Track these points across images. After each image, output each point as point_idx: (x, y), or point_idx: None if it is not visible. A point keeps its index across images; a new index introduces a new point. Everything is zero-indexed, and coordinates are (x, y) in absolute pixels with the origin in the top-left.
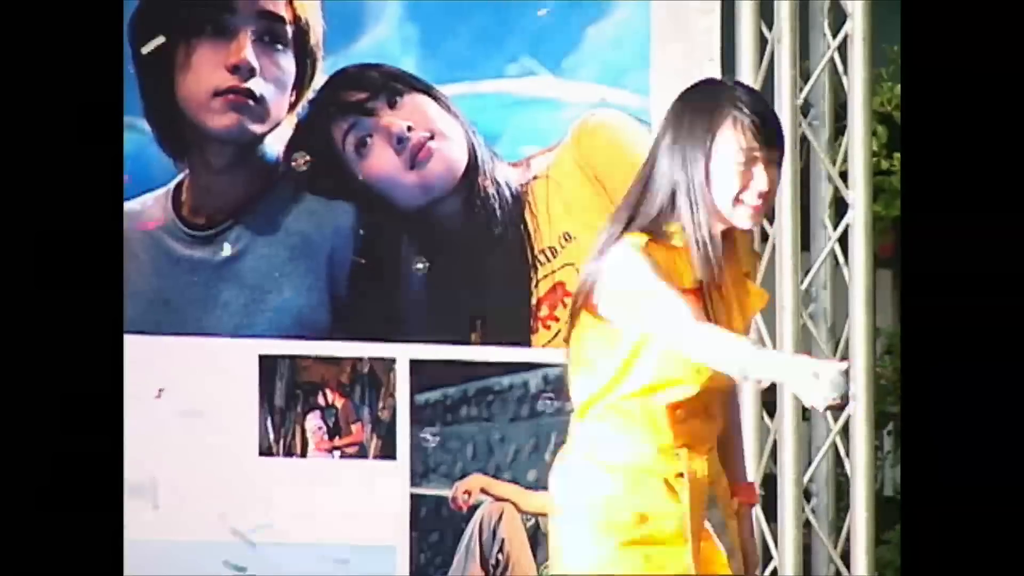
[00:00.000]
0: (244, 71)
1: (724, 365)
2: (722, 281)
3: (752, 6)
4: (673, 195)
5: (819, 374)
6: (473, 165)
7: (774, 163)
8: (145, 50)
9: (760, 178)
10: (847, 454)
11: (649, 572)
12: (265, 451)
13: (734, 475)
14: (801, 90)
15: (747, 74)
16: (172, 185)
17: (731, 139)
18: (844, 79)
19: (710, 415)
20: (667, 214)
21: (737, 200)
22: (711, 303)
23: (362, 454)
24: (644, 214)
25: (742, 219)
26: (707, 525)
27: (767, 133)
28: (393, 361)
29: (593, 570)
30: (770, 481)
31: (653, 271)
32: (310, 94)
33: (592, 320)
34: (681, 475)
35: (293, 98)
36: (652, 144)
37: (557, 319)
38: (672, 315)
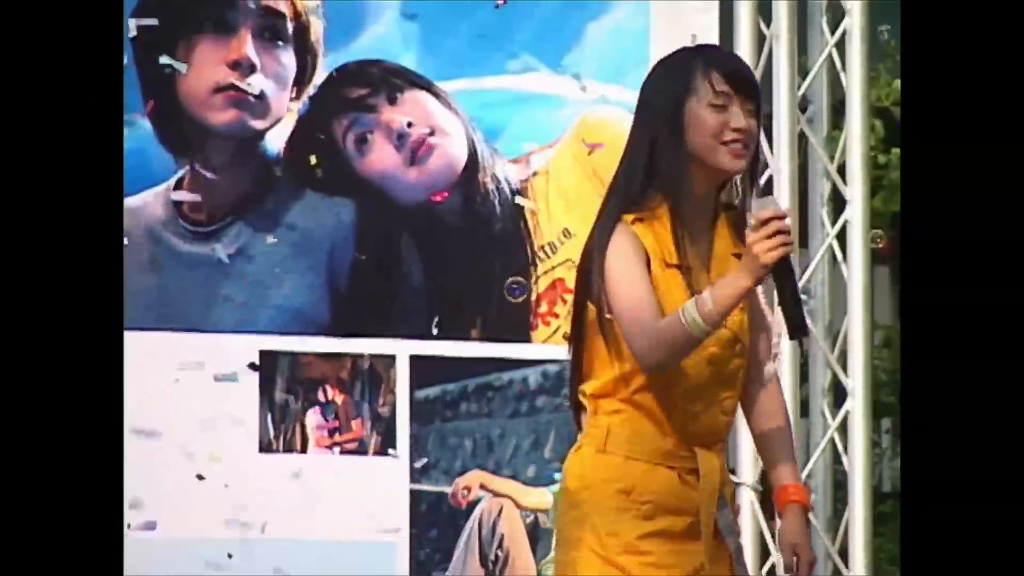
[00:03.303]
0: (245, 67)
1: (681, 336)
2: (705, 253)
3: (750, 3)
4: (651, 160)
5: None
6: (473, 161)
7: (750, 113)
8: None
9: (737, 118)
10: (845, 450)
11: (665, 564)
12: (265, 447)
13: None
14: (799, 87)
15: None
16: (172, 181)
17: (702, 86)
18: (842, 76)
19: (724, 410)
20: (649, 185)
21: (717, 141)
22: (696, 280)
23: (362, 450)
24: (628, 192)
25: (724, 159)
26: (719, 524)
27: (738, 81)
28: (393, 357)
29: (612, 559)
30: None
31: (635, 257)
32: (311, 90)
33: (600, 315)
34: (694, 471)
35: (294, 94)
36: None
37: (557, 315)
38: (629, 310)
